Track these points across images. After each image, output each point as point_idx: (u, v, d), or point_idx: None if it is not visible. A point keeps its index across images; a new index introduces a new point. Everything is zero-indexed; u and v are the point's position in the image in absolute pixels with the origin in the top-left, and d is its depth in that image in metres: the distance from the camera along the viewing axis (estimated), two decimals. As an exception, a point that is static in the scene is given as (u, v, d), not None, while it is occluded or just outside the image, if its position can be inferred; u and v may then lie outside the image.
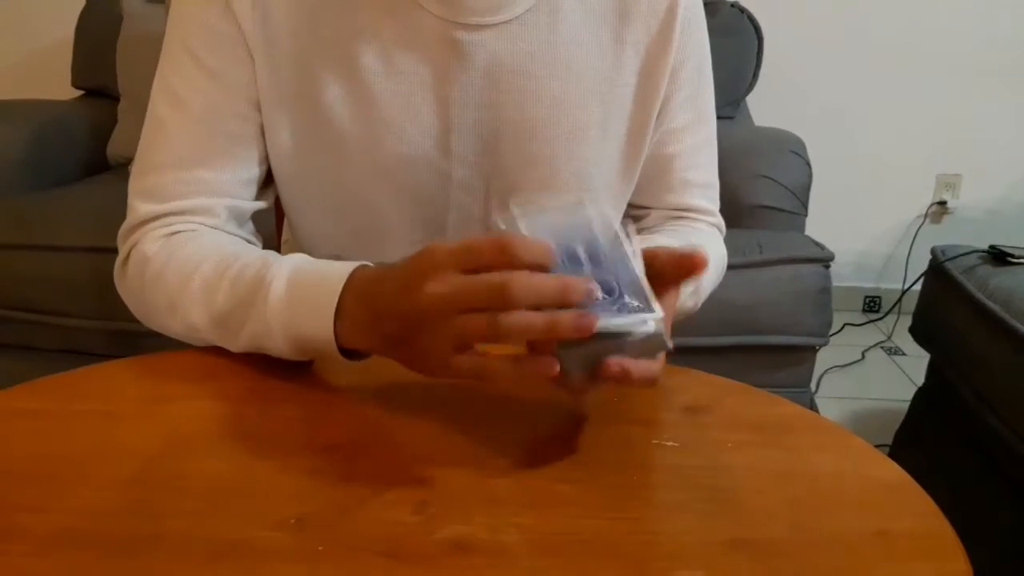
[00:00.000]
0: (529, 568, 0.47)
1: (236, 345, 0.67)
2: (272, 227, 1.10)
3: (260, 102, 0.74)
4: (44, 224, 1.72)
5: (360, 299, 0.60)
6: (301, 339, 0.62)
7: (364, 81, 0.72)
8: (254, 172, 0.77)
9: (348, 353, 0.62)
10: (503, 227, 0.55)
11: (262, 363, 0.66)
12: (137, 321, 0.75)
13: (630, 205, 0.87)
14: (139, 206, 0.73)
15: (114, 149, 2.20)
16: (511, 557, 0.48)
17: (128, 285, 0.74)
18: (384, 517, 0.51)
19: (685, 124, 0.82)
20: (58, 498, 0.51)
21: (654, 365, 0.55)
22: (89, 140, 2.21)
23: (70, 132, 2.19)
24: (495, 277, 0.50)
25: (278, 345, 0.64)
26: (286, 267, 0.64)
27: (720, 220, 0.90)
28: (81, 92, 2.38)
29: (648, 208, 0.87)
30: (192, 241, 0.71)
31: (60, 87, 2.36)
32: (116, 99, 2.23)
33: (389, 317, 0.57)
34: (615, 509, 0.53)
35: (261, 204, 0.79)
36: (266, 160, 0.78)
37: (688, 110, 0.82)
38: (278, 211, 1.08)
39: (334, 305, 0.60)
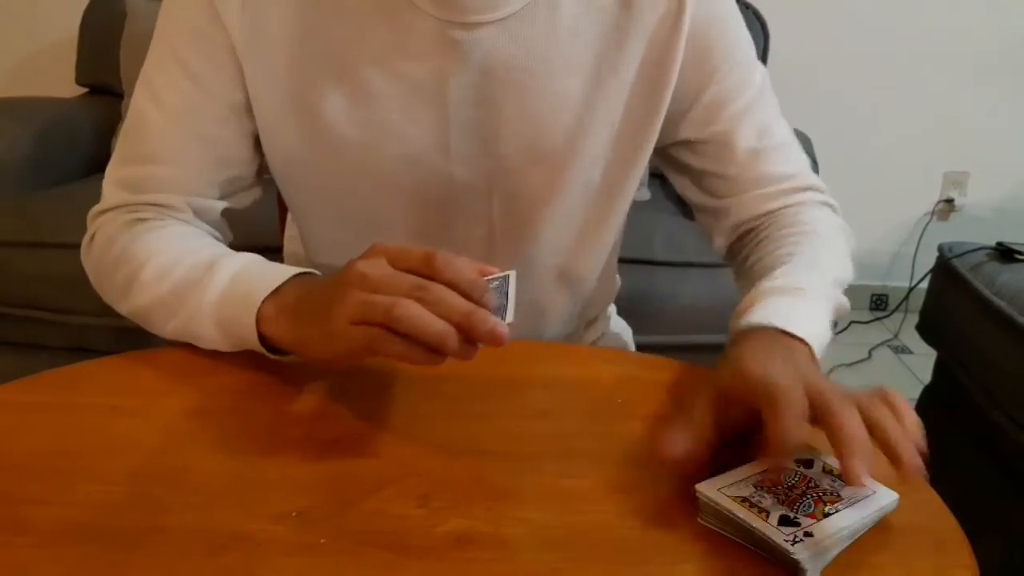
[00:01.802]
0: (531, 561, 0.47)
1: (166, 328, 0.69)
2: (274, 227, 1.10)
3: (254, 107, 0.75)
4: (49, 222, 1.73)
5: (297, 285, 0.63)
6: (226, 319, 0.64)
7: (361, 85, 0.72)
8: (227, 174, 0.78)
9: (268, 345, 0.64)
10: None
11: (264, 358, 0.66)
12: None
13: (712, 195, 0.82)
14: (111, 193, 0.76)
15: (119, 147, 2.20)
16: (513, 550, 0.48)
17: (92, 264, 0.77)
18: (386, 510, 0.50)
19: (727, 98, 0.78)
20: (61, 491, 0.51)
21: None
22: (93, 138, 2.21)
23: (74, 130, 2.19)
24: (420, 280, 0.53)
25: (206, 326, 0.66)
26: (244, 258, 0.68)
27: (808, 181, 0.82)
28: (85, 90, 2.39)
29: (728, 198, 0.81)
30: (159, 229, 0.73)
31: (64, 85, 2.37)
32: (120, 96, 2.23)
33: (314, 293, 0.60)
34: (618, 503, 0.52)
35: (226, 204, 0.79)
36: (246, 163, 0.78)
37: (727, 84, 0.78)
38: (280, 210, 1.08)
39: (270, 288, 0.63)
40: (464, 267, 0.54)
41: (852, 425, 0.49)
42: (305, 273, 0.65)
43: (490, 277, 0.57)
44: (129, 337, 1.78)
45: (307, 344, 0.60)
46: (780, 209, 0.80)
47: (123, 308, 0.73)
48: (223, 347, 0.67)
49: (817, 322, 0.64)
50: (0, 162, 1.97)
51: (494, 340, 0.52)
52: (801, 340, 0.61)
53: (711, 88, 0.78)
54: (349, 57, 0.72)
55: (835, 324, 0.69)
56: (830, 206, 0.83)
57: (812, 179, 0.83)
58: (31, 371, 0.66)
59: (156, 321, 0.70)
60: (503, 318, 0.54)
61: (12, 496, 0.51)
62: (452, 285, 0.53)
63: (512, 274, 0.58)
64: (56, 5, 2.50)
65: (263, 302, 0.62)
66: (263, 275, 0.65)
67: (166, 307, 0.68)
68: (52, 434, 0.58)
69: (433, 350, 0.52)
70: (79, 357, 0.68)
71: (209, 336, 0.66)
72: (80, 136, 2.20)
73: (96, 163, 2.19)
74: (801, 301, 0.65)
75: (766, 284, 0.68)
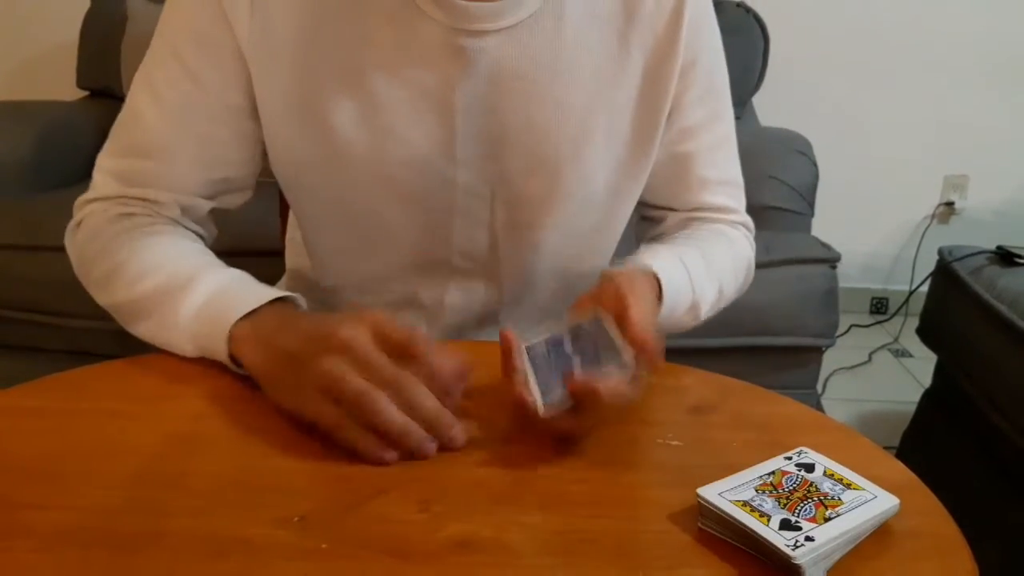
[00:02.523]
0: (532, 566, 0.47)
1: (137, 328, 0.71)
2: (275, 229, 1.10)
3: (261, 110, 0.75)
4: (49, 225, 1.72)
5: (277, 314, 0.64)
6: (200, 334, 0.66)
7: (368, 89, 0.72)
8: (219, 174, 0.78)
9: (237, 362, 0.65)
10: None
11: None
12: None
13: (649, 206, 0.87)
14: (102, 183, 0.77)
15: (120, 150, 2.21)
16: (515, 555, 0.48)
17: (76, 251, 0.78)
18: (388, 515, 0.50)
19: (700, 122, 0.81)
20: (62, 496, 0.51)
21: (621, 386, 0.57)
22: (94, 141, 2.21)
23: (75, 133, 2.19)
24: (397, 370, 0.56)
25: (177, 337, 0.67)
26: (226, 275, 0.69)
27: (745, 218, 0.88)
28: (86, 93, 2.39)
29: (667, 209, 0.87)
30: (145, 227, 0.74)
31: (65, 88, 2.37)
32: (121, 100, 2.20)
33: (293, 332, 0.61)
34: (619, 508, 0.53)
35: (214, 204, 0.80)
36: (240, 164, 0.78)
37: (702, 108, 0.81)
38: (282, 211, 1.08)
39: (246, 310, 0.64)
40: (444, 362, 0.58)
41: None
42: (287, 298, 0.66)
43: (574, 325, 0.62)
44: (129, 341, 1.78)
45: (274, 386, 0.61)
46: (696, 222, 0.86)
47: (101, 300, 0.75)
48: (193, 355, 0.68)
49: (679, 280, 0.74)
50: (1, 164, 1.97)
51: (450, 446, 0.57)
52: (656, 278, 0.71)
53: (688, 112, 0.81)
54: (356, 62, 0.72)
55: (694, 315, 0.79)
56: (750, 243, 0.90)
57: (747, 219, 0.89)
58: (30, 374, 0.66)
59: (127, 319, 0.72)
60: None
61: (13, 500, 0.51)
62: (431, 376, 0.57)
63: (606, 317, 0.61)
64: (57, 9, 2.51)
65: (237, 323, 0.64)
66: (242, 295, 0.66)
67: (140, 309, 0.70)
68: (53, 438, 0.58)
69: (390, 444, 0.55)
70: (78, 360, 0.68)
71: (180, 347, 0.68)
72: (81, 139, 2.20)
73: (97, 166, 2.19)
74: (681, 268, 0.75)
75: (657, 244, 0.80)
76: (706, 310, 0.80)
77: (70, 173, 2.11)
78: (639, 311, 0.61)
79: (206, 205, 0.79)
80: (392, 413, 0.55)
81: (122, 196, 0.76)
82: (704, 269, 0.78)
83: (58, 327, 1.73)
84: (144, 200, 0.76)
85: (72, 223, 0.78)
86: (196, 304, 0.66)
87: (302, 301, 0.68)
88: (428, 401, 0.56)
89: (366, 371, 0.56)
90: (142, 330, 0.71)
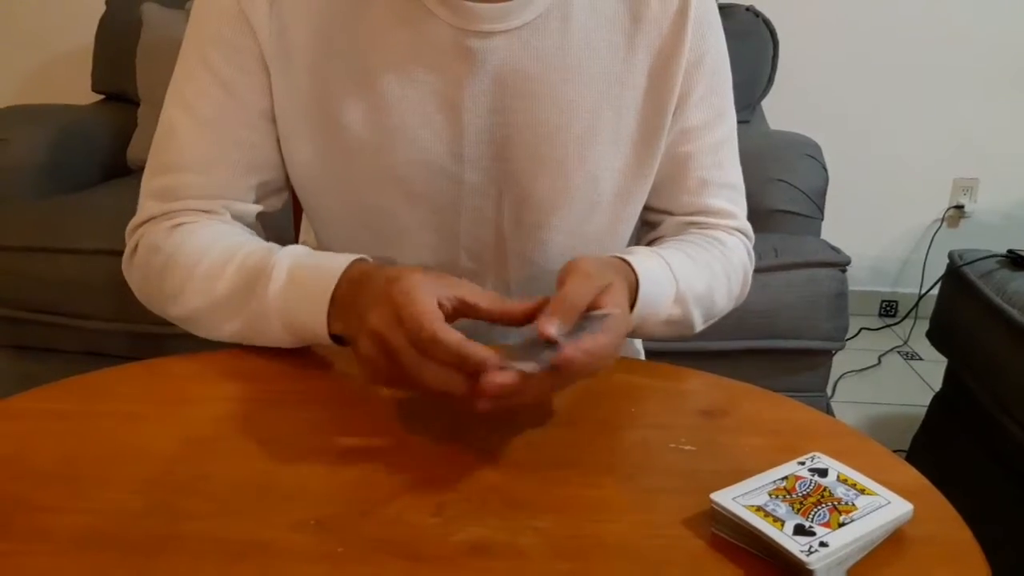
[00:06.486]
0: (546, 571, 0.47)
1: (230, 328, 0.71)
2: (289, 231, 1.11)
3: (276, 113, 0.76)
4: (65, 227, 1.74)
5: (352, 285, 0.66)
6: (297, 325, 0.67)
7: (377, 89, 0.73)
8: (259, 178, 0.79)
9: (338, 339, 0.66)
10: None
11: (281, 366, 0.67)
12: (157, 323, 0.76)
13: (649, 208, 0.87)
14: (147, 205, 0.77)
15: (134, 153, 2.22)
16: (528, 560, 0.48)
17: (136, 274, 0.77)
18: (403, 519, 0.51)
19: (702, 122, 0.81)
20: (80, 499, 0.52)
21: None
22: (109, 144, 2.23)
23: (90, 136, 2.21)
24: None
25: (275, 329, 0.68)
26: (287, 258, 0.69)
27: (743, 224, 0.87)
28: (101, 97, 2.41)
29: (666, 212, 0.86)
30: (201, 230, 0.74)
31: (80, 92, 2.39)
32: (136, 103, 2.25)
33: (364, 306, 0.61)
34: (632, 513, 0.53)
35: (261, 207, 0.81)
36: (276, 167, 0.79)
37: (704, 109, 0.81)
38: (296, 212, 1.09)
39: (329, 293, 0.65)
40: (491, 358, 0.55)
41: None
42: (359, 259, 0.68)
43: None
44: (143, 342, 1.79)
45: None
46: (694, 227, 0.85)
47: (173, 313, 0.74)
48: (288, 346, 0.70)
49: (659, 278, 0.74)
50: (18, 168, 1.99)
51: (488, 383, 0.54)
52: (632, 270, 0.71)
53: (691, 112, 0.81)
54: (367, 64, 0.73)
55: (671, 320, 0.77)
56: (748, 252, 0.87)
57: (746, 226, 0.88)
58: (47, 375, 0.67)
59: (213, 323, 0.72)
60: None
61: (31, 503, 0.52)
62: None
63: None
64: (72, 14, 2.53)
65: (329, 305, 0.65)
66: (316, 275, 0.67)
67: (224, 309, 0.70)
68: (71, 441, 0.58)
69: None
70: (95, 361, 0.69)
71: (276, 337, 0.69)
72: (96, 142, 2.21)
73: (112, 169, 2.20)
74: (656, 257, 0.75)
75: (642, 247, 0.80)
76: (695, 305, 0.78)
77: (85, 176, 2.13)
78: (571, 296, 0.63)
79: (253, 209, 0.79)
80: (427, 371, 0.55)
81: (170, 211, 0.76)
82: (688, 262, 0.77)
83: (74, 328, 1.74)
84: (193, 211, 0.76)
85: (127, 252, 0.78)
86: (279, 292, 0.67)
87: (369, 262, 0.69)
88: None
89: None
90: (230, 331, 0.71)
